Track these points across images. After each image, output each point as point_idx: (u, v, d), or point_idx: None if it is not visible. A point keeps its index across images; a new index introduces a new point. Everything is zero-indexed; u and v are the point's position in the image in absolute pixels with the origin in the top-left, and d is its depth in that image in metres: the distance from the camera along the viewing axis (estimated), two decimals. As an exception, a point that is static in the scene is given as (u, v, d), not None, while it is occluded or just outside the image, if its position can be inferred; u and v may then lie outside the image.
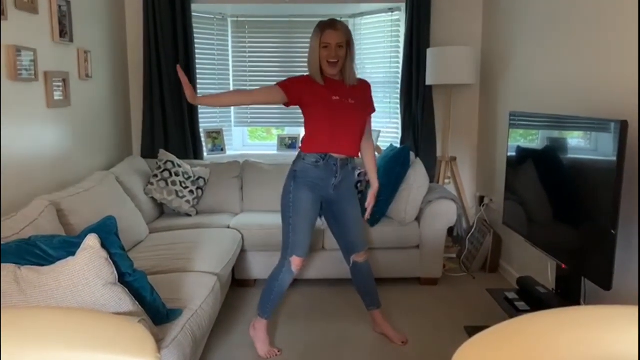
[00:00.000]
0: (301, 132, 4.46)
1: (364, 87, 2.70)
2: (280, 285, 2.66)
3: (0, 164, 2.41)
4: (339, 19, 2.64)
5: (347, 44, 2.53)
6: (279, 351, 2.70)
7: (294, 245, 2.60)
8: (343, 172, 2.63)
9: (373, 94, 2.79)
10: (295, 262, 2.63)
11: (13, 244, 1.82)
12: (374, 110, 2.77)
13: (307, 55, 2.59)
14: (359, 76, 2.69)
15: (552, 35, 3.01)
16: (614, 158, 1.97)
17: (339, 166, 2.59)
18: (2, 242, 1.96)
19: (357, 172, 3.73)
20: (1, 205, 2.42)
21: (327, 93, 2.55)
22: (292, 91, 2.55)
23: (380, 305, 2.87)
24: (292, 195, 2.59)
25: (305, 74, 2.61)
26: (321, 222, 3.49)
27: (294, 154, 4.44)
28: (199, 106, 4.23)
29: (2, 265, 1.70)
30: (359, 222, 2.75)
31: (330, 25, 2.50)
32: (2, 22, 2.43)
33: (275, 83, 2.57)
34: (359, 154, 2.73)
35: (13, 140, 2.55)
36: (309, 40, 2.58)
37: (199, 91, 4.25)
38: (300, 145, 2.67)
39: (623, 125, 1.94)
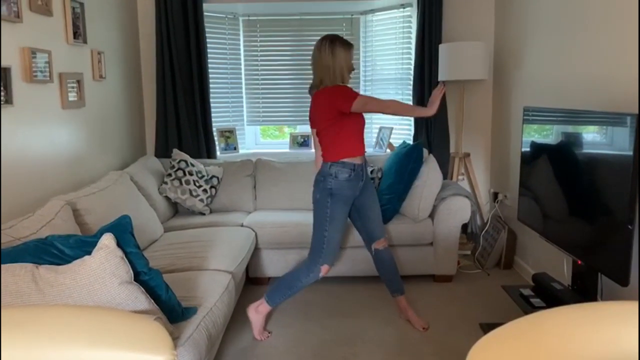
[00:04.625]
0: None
1: None
2: (303, 285, 2.78)
3: (0, 166, 2.44)
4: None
5: None
6: (270, 333, 2.88)
7: (327, 255, 2.73)
8: (365, 172, 2.84)
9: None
10: (325, 269, 2.77)
11: (31, 243, 1.84)
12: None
13: None
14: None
15: (565, 28, 2.97)
16: (630, 152, 1.94)
17: (364, 169, 2.81)
18: (20, 242, 1.99)
19: (369, 169, 3.73)
20: (3, 207, 2.46)
21: None
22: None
23: (403, 291, 2.97)
24: (329, 211, 2.68)
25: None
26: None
27: (306, 151, 4.45)
28: (212, 105, 4.26)
29: (21, 265, 1.72)
30: (378, 212, 2.91)
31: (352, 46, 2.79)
32: (17, 24, 2.47)
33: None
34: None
35: (29, 141, 2.59)
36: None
37: (211, 91, 4.27)
38: (329, 158, 2.69)
39: (639, 119, 1.92)
